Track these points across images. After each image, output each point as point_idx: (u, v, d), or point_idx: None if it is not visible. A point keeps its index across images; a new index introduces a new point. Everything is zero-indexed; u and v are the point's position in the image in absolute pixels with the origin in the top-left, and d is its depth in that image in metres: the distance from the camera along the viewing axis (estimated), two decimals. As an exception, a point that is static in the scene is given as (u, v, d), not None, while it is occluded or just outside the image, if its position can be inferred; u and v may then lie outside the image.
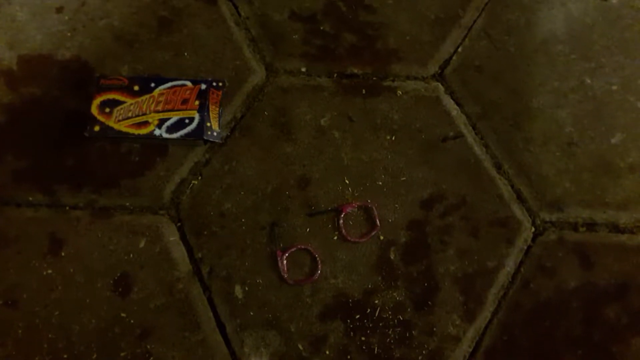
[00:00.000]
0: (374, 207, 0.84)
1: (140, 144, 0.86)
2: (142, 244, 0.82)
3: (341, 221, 0.83)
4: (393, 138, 0.88)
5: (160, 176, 0.85)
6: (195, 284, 0.81)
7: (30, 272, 0.80)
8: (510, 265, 0.82)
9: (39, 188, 0.84)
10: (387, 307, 0.80)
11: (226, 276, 0.81)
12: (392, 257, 0.82)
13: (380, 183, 0.86)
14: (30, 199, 0.84)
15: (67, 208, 0.84)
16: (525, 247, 0.84)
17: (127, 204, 0.84)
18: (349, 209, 0.84)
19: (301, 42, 0.94)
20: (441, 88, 0.91)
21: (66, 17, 0.94)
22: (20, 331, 0.77)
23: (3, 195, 0.84)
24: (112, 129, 0.82)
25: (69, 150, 0.86)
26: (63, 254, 0.81)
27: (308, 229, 0.83)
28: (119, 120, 0.83)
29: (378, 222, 0.83)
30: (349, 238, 0.82)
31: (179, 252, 0.82)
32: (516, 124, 0.90)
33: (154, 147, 0.86)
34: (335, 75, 0.92)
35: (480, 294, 0.81)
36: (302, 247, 0.82)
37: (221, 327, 0.79)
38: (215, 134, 0.85)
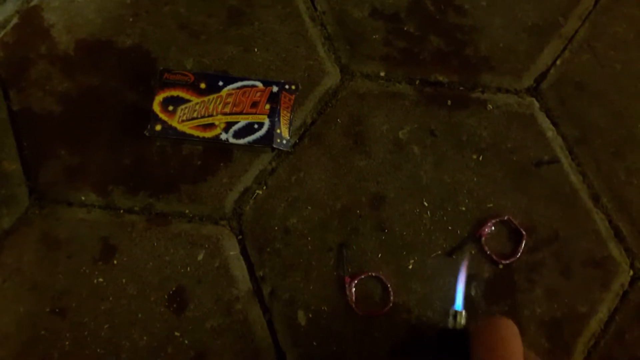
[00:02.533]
0: (455, 235, 0.76)
1: (203, 146, 0.79)
2: (200, 257, 0.75)
3: (418, 248, 0.75)
4: (480, 158, 0.79)
5: (223, 183, 0.78)
6: (255, 305, 0.74)
7: (80, 279, 0.74)
8: (603, 312, 0.74)
9: (92, 187, 0.78)
10: (461, 346, 0.73)
11: (289, 299, 0.74)
12: (472, 294, 0.74)
13: (463, 208, 0.77)
14: (83, 198, 0.78)
15: (122, 211, 0.78)
16: (622, 293, 0.75)
17: (187, 211, 0.77)
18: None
19: (382, 43, 0.85)
20: (536, 104, 0.82)
21: (128, 1, 0.86)
22: (67, 342, 0.72)
23: (55, 193, 0.78)
24: (175, 129, 0.75)
25: (126, 149, 0.79)
26: (115, 261, 0.75)
27: (380, 254, 0.76)
28: (182, 121, 0.75)
29: (459, 252, 0.75)
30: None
31: (239, 269, 0.75)
32: (619, 152, 0.80)
33: (217, 150, 0.79)
34: (417, 82, 0.83)
35: (568, 342, 0.73)
36: (373, 274, 0.75)
37: (281, 355, 0.72)
38: (284, 142, 0.77)
